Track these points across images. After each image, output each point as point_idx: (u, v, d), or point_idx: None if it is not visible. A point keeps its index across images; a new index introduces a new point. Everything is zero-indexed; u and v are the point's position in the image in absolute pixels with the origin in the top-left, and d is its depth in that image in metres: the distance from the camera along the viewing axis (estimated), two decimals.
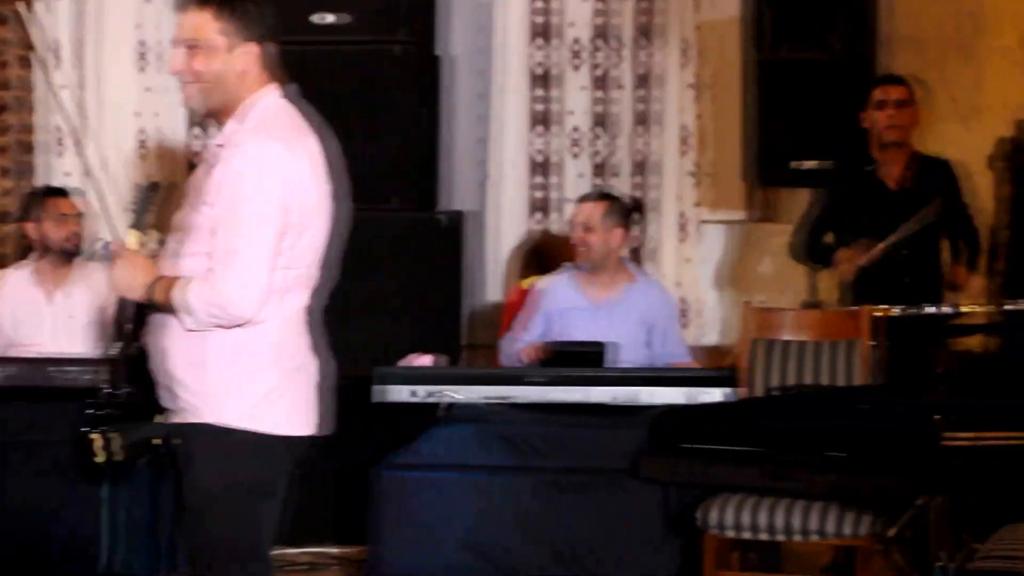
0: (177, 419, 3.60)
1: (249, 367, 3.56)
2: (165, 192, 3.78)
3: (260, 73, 3.65)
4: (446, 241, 6.27)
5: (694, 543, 4.78)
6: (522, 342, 5.77)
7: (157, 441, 3.63)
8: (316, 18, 6.22)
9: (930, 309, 5.49)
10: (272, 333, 3.58)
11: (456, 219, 6.38)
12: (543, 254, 6.72)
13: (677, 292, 6.87)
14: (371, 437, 5.54)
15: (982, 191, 6.91)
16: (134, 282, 3.58)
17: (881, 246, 5.77)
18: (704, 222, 7.05)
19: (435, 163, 6.67)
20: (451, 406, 5.26)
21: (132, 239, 3.66)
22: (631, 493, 4.92)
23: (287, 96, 3.70)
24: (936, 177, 5.97)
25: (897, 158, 5.95)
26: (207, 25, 3.58)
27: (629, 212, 5.93)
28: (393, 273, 6.19)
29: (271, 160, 3.52)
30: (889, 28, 6.69)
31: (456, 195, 6.90)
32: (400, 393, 5.29)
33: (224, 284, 3.46)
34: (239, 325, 3.51)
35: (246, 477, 3.56)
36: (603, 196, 6.00)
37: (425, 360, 5.57)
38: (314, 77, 6.14)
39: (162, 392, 3.63)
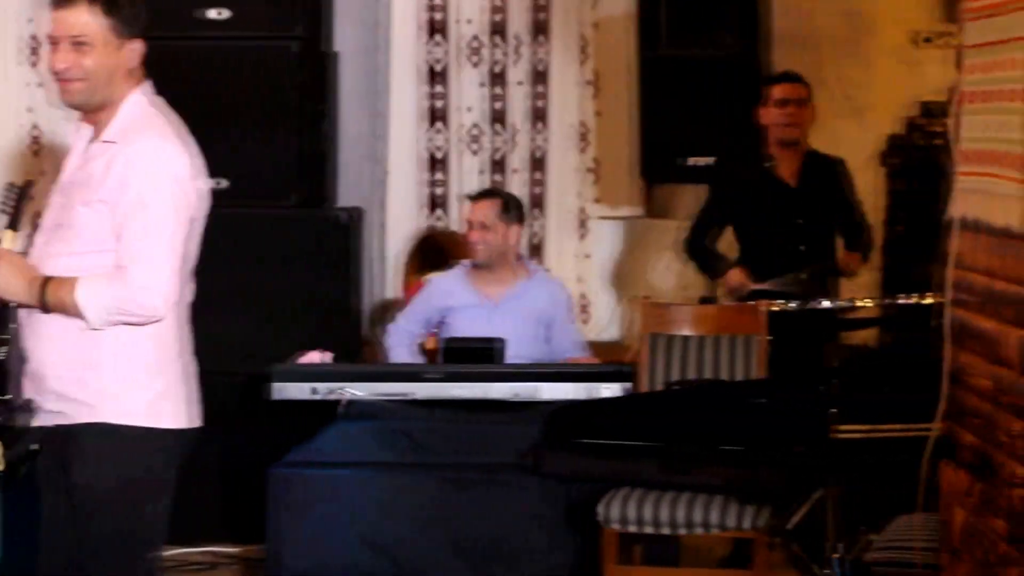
0: (62, 421, 3.56)
1: (147, 363, 3.56)
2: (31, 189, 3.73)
3: (137, 70, 3.63)
4: (343, 237, 6.25)
5: (593, 538, 4.80)
6: (410, 332, 5.78)
7: (35, 447, 3.58)
8: (209, 14, 6.15)
9: (825, 304, 5.56)
10: (166, 328, 3.57)
11: (353, 215, 6.36)
12: (440, 250, 6.71)
13: (575, 288, 6.89)
14: (269, 435, 5.51)
15: (875, 187, 7.00)
16: (14, 283, 3.53)
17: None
18: (601, 218, 7.08)
19: (331, 160, 6.64)
20: (350, 403, 5.23)
21: (7, 239, 3.61)
22: (530, 489, 4.92)
23: (151, 93, 3.68)
24: (832, 174, 6.04)
25: (793, 155, 6.00)
26: (96, 21, 3.54)
27: (522, 208, 5.94)
28: (290, 270, 6.15)
29: (170, 158, 3.52)
30: (780, 26, 6.76)
31: (353, 192, 6.87)
32: (299, 390, 5.26)
33: (139, 282, 3.45)
34: (150, 323, 3.50)
35: (145, 473, 3.56)
36: (497, 193, 6.03)
37: (319, 357, 5.54)
38: (206, 74, 6.15)
39: (45, 396, 3.57)
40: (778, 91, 5.97)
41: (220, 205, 6.06)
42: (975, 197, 3.28)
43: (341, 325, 6.20)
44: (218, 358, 6.03)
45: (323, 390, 5.25)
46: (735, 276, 5.88)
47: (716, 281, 6.19)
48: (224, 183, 6.11)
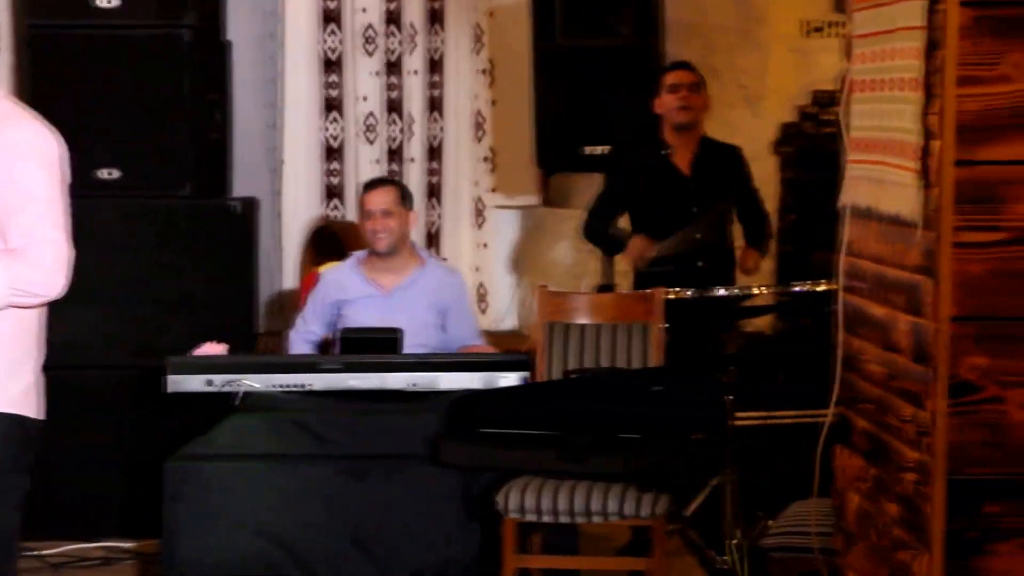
0: None
1: (20, 352, 3.52)
2: None
3: None
4: (238, 228, 6.21)
5: (494, 528, 4.80)
6: (311, 334, 5.74)
7: None
8: (99, 2, 6.08)
9: (721, 292, 5.61)
10: (33, 317, 3.54)
11: (249, 206, 6.31)
12: (337, 240, 6.67)
13: (473, 278, 6.89)
14: (165, 428, 5.47)
15: (769, 175, 7.07)
16: None
17: (671, 244, 5.87)
18: (498, 207, 7.08)
19: (226, 150, 6.59)
20: (246, 395, 5.19)
21: None
22: (430, 479, 4.91)
23: None
24: (726, 162, 6.10)
25: (688, 143, 6.07)
26: None
27: (412, 196, 5.94)
28: (185, 261, 6.10)
29: (49, 141, 3.50)
30: (673, 16, 6.80)
31: (248, 182, 6.82)
32: (195, 383, 5.21)
33: (43, 261, 3.42)
34: (42, 304, 3.48)
35: (14, 466, 3.50)
36: (393, 181, 6.02)
37: (217, 348, 5.49)
38: (97, 63, 6.08)
39: None
40: (670, 77, 6.06)
41: (113, 195, 6.09)
42: (866, 185, 3.32)
43: (237, 317, 6.16)
44: (111, 351, 6.04)
45: (219, 382, 5.20)
46: (636, 243, 5.95)
47: (619, 257, 6.23)
48: (116, 173, 6.05)
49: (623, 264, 6.35)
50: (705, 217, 5.94)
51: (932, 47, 2.98)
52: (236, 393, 5.18)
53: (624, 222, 6.16)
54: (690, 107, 6.02)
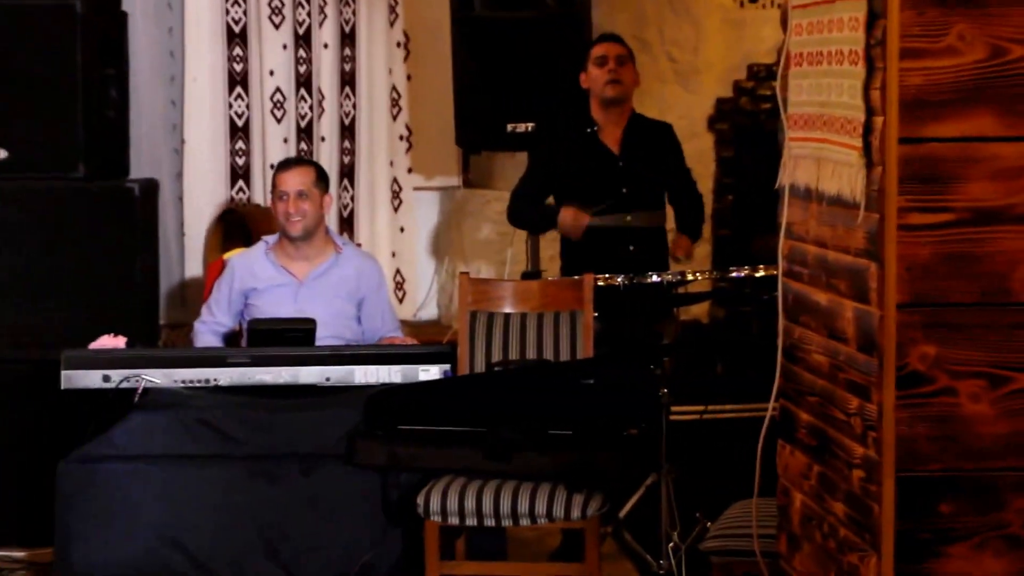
0: None
1: None
2: None
3: None
4: (137, 212, 6.14)
5: (416, 532, 4.78)
6: (219, 325, 5.70)
7: None
8: None
9: (654, 278, 5.61)
10: None
11: (147, 188, 6.25)
12: (244, 225, 6.63)
13: (390, 264, 6.87)
14: (60, 428, 5.40)
15: (704, 154, 7.09)
16: None
17: (602, 211, 5.88)
18: (416, 189, 7.06)
19: (122, 128, 6.52)
20: (147, 391, 5.15)
21: None
22: (346, 479, 4.89)
23: None
24: (657, 140, 6.10)
25: (618, 120, 6.06)
26: None
27: (328, 178, 5.90)
28: (80, 248, 6.03)
29: None
30: None
31: (147, 162, 6.76)
32: (92, 378, 5.16)
33: None
34: None
35: None
36: (308, 161, 5.98)
37: (111, 342, 5.45)
38: None
39: None
40: (598, 50, 6.06)
41: (0, 178, 6.01)
42: (806, 164, 3.32)
43: (137, 308, 6.10)
44: (1, 344, 5.96)
45: (117, 378, 5.16)
46: (568, 214, 5.93)
47: (551, 234, 6.21)
48: (2, 153, 5.97)
49: (551, 249, 6.34)
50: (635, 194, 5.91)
51: (874, 17, 2.98)
52: (136, 389, 5.14)
53: (550, 202, 6.14)
54: (619, 81, 6.01)
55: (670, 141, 6.14)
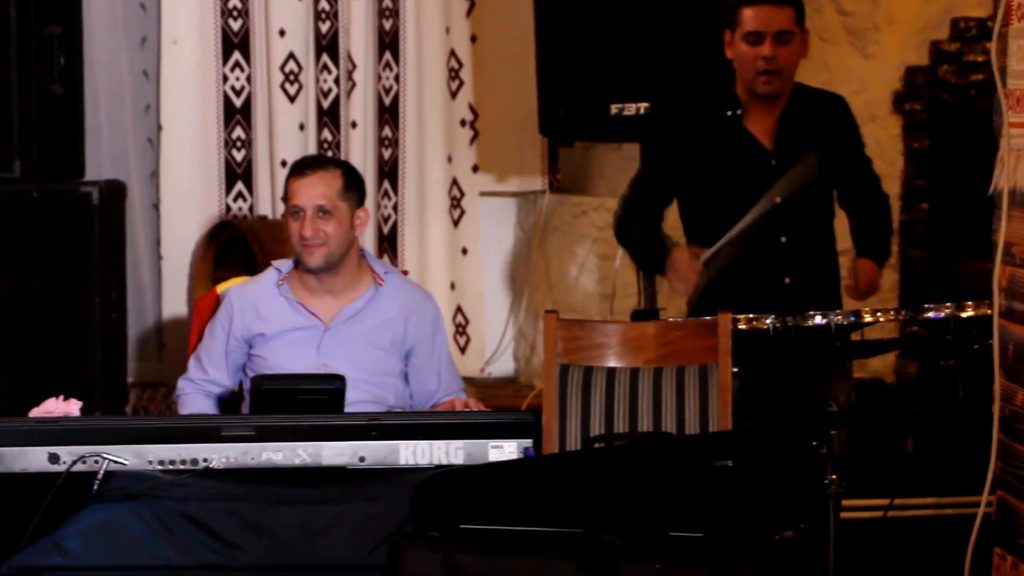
0: None
1: None
2: None
3: None
4: (98, 226, 6.23)
5: None
6: (212, 384, 5.75)
7: None
8: None
9: (819, 319, 5.63)
10: None
11: (113, 192, 6.35)
12: (244, 245, 6.70)
13: (450, 299, 6.92)
14: None
15: (888, 144, 7.11)
16: None
17: (735, 235, 5.83)
18: (485, 194, 7.11)
19: (78, 108, 6.62)
20: (110, 475, 5.23)
21: None
22: None
23: None
24: (826, 120, 6.00)
25: (771, 104, 5.95)
26: None
27: (364, 184, 5.88)
28: (17, 276, 6.13)
29: None
30: None
31: (109, 159, 6.87)
32: (33, 458, 5.24)
33: None
34: None
35: None
36: (333, 161, 5.94)
37: (69, 407, 5.54)
38: None
39: None
40: (750, 18, 5.89)
41: None
42: None
43: (95, 359, 6.17)
44: None
45: (68, 457, 5.23)
46: (682, 258, 5.86)
47: (658, 276, 6.21)
48: None
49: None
50: (767, 197, 5.83)
51: None
52: (95, 474, 5.21)
53: (673, 216, 6.15)
54: (778, 72, 5.88)
55: (844, 121, 6.05)
